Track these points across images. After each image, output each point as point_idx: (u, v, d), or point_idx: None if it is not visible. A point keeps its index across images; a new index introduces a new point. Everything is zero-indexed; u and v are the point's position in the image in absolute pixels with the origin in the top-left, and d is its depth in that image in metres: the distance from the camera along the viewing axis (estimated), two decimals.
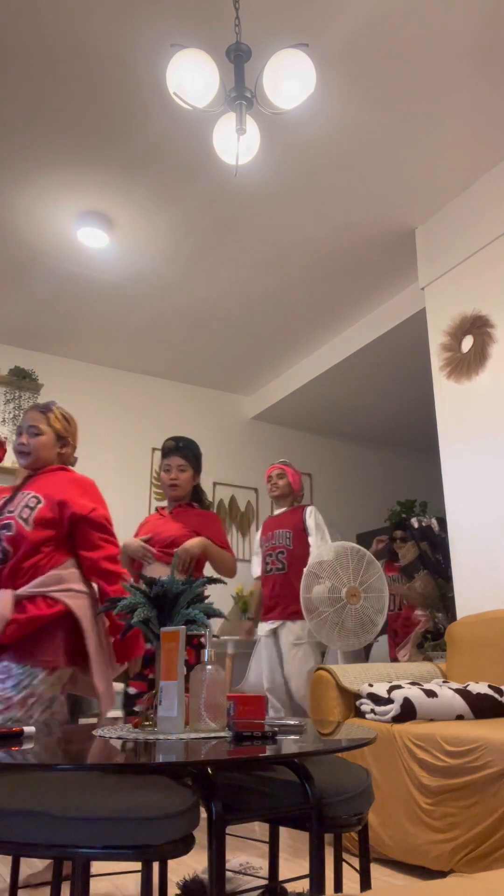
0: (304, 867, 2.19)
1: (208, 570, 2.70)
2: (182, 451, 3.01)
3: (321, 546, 3.58)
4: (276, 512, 3.91)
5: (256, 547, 3.94)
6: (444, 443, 3.40)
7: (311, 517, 3.73)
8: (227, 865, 2.03)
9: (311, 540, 3.68)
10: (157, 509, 3.08)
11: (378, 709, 2.37)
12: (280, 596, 3.60)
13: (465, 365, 3.32)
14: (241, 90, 2.16)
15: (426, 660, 3.61)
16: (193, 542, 2.74)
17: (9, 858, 2.17)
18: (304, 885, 1.88)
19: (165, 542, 2.80)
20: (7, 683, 1.89)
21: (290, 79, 2.08)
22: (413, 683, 2.40)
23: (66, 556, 2.10)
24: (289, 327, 4.77)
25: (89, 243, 3.77)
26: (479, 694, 2.33)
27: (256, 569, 3.89)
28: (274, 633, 3.58)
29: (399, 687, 2.36)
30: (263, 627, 3.64)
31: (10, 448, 2.91)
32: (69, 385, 5.14)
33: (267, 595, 3.70)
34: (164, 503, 3.10)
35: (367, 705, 2.43)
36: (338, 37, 2.58)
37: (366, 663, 2.85)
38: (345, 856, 2.30)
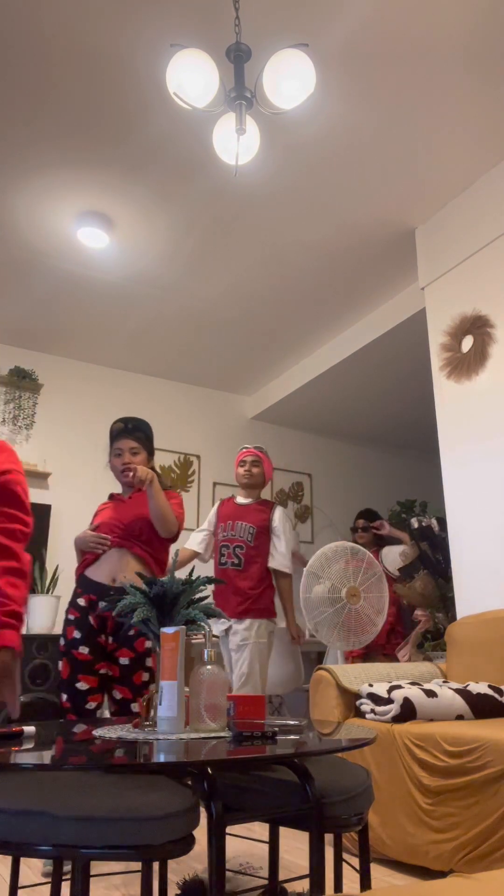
0: (304, 867, 2.19)
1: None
2: (132, 433, 2.71)
3: (279, 555, 3.43)
4: (241, 500, 3.61)
5: (207, 524, 3.65)
6: (444, 443, 3.40)
7: (280, 520, 3.51)
8: (227, 865, 2.03)
9: (275, 543, 3.47)
10: (111, 496, 2.78)
11: (378, 709, 2.37)
12: (229, 594, 3.36)
13: (465, 365, 3.32)
14: (241, 90, 2.16)
15: (426, 660, 3.60)
16: (146, 469, 2.54)
17: (9, 858, 2.17)
18: (304, 885, 1.88)
19: (127, 527, 2.56)
20: None
21: (289, 79, 2.08)
22: (413, 683, 2.40)
23: None
24: (289, 327, 4.77)
25: (89, 243, 3.77)
26: (479, 694, 2.33)
27: (197, 543, 3.60)
28: (225, 632, 3.36)
29: (399, 687, 2.36)
30: (216, 625, 3.40)
31: None
32: (69, 385, 5.14)
33: (215, 591, 3.47)
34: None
35: (367, 705, 2.43)
36: (338, 37, 2.58)
37: (366, 663, 2.85)
38: (345, 856, 2.30)
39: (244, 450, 3.67)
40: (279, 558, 3.43)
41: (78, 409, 5.13)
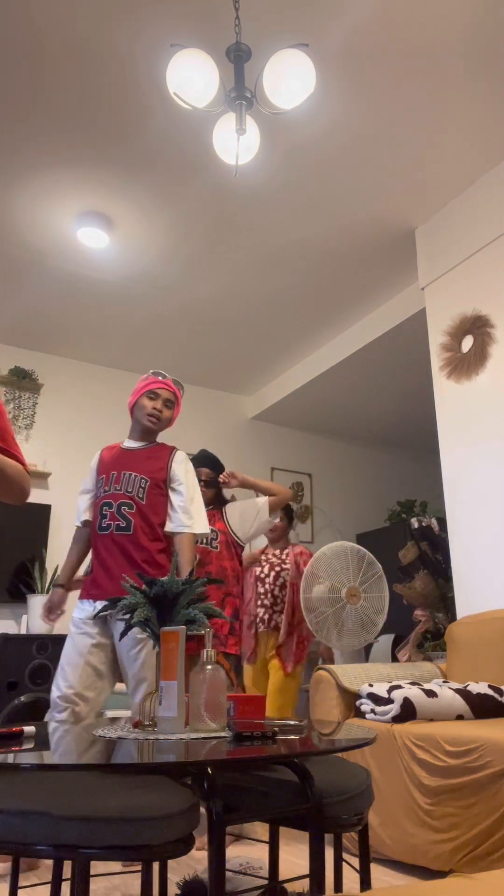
0: (304, 867, 2.19)
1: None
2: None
3: (180, 514, 2.50)
4: (130, 444, 2.64)
5: (88, 481, 2.67)
6: (443, 443, 3.40)
7: (183, 465, 2.59)
8: (227, 865, 2.03)
9: (173, 500, 2.52)
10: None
11: (378, 709, 2.37)
12: (117, 565, 2.41)
13: (465, 365, 3.32)
14: (241, 90, 2.16)
15: (426, 660, 3.60)
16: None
17: (8, 858, 2.17)
18: (304, 885, 1.88)
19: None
20: None
21: (289, 79, 2.08)
22: (413, 683, 2.40)
23: None
24: (289, 327, 4.77)
25: (89, 243, 3.77)
26: (479, 694, 2.33)
27: (84, 511, 2.63)
28: (102, 620, 2.40)
29: (399, 687, 2.36)
30: (82, 609, 2.43)
31: None
32: (69, 385, 5.14)
33: (95, 562, 2.49)
34: None
35: (367, 705, 2.43)
36: (338, 37, 2.58)
37: (366, 663, 2.85)
38: (345, 856, 2.31)
39: (157, 378, 2.66)
40: (178, 518, 2.50)
41: (78, 409, 5.13)
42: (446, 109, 2.94)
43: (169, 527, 2.51)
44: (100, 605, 2.38)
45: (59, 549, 4.61)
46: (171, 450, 2.64)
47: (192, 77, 2.06)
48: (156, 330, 4.78)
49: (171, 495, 2.55)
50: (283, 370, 5.45)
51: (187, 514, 2.52)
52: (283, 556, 3.63)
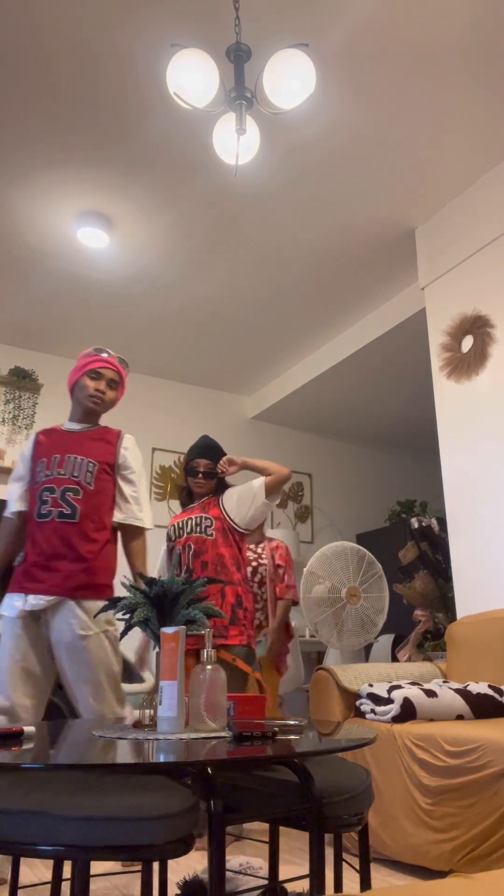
0: (304, 867, 2.19)
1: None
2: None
3: (139, 512, 2.38)
4: (72, 427, 2.48)
5: (21, 469, 2.44)
6: (443, 443, 3.40)
7: (132, 451, 2.46)
8: (227, 865, 2.03)
9: (124, 488, 2.39)
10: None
11: (378, 709, 2.37)
12: (58, 556, 2.21)
13: (465, 365, 3.32)
14: (241, 90, 2.16)
15: (426, 660, 3.60)
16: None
17: (9, 858, 2.17)
18: (304, 885, 1.88)
19: None
20: None
21: (289, 79, 2.08)
22: (413, 683, 2.40)
23: None
24: (289, 327, 4.77)
25: (89, 243, 3.77)
26: (479, 694, 2.33)
27: (16, 500, 2.39)
28: (35, 617, 2.19)
29: (399, 687, 2.36)
30: (12, 603, 2.21)
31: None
32: None
33: (31, 552, 2.26)
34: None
35: (367, 705, 2.43)
36: (338, 37, 2.58)
37: (366, 663, 2.85)
38: (345, 856, 2.31)
39: (100, 355, 2.47)
40: (131, 509, 2.37)
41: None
42: (446, 109, 2.94)
43: (118, 517, 2.33)
44: (34, 599, 2.15)
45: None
46: (118, 433, 2.47)
47: (192, 77, 2.06)
48: (156, 330, 4.78)
49: (122, 483, 2.38)
50: (283, 370, 5.45)
51: (139, 505, 2.37)
52: (260, 551, 3.47)
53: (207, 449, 2.89)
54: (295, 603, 3.42)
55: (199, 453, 2.86)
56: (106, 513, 2.31)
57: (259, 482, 2.77)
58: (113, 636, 2.22)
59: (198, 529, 2.75)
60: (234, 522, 2.76)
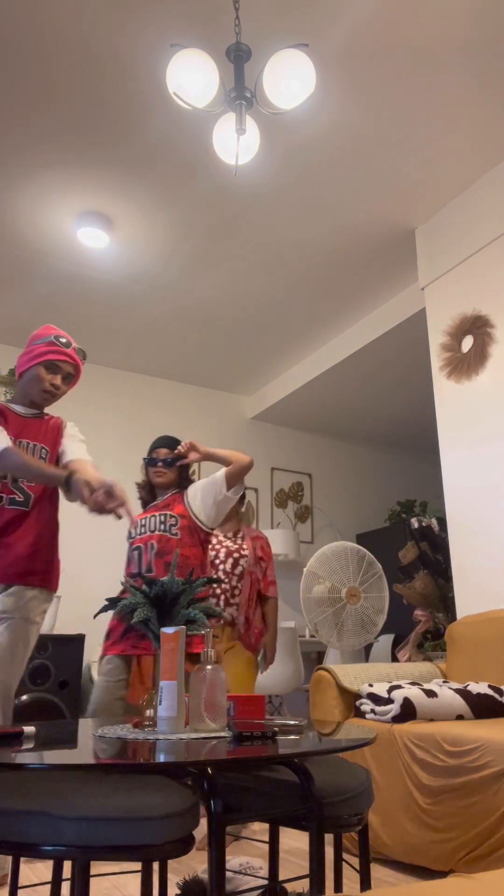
0: (304, 867, 2.19)
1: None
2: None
3: (85, 454, 2.36)
4: (21, 411, 2.35)
5: None
6: (444, 443, 3.40)
7: (76, 437, 2.42)
8: (227, 865, 2.03)
9: (68, 447, 2.38)
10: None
11: (378, 709, 2.37)
12: (7, 544, 2.18)
13: (465, 365, 3.32)
14: (240, 90, 2.16)
15: (426, 660, 3.60)
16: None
17: (9, 858, 2.17)
18: (304, 885, 1.88)
19: None
20: None
21: (289, 79, 2.08)
22: (413, 683, 2.40)
23: None
24: (289, 327, 4.77)
25: (89, 243, 3.77)
26: (479, 694, 2.33)
27: None
28: None
29: (399, 687, 2.36)
30: None
31: None
32: None
33: None
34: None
35: (367, 705, 2.43)
36: (338, 37, 2.58)
37: (366, 663, 2.85)
38: (345, 856, 2.31)
39: (59, 345, 2.31)
40: (77, 449, 2.37)
41: (78, 410, 5.13)
42: (446, 109, 2.94)
43: (67, 457, 2.27)
44: None
45: (59, 548, 4.60)
46: (60, 421, 2.38)
47: (192, 77, 2.06)
48: (156, 330, 4.78)
49: (68, 449, 2.34)
50: (283, 370, 5.46)
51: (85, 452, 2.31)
52: (240, 542, 3.21)
53: (167, 439, 2.80)
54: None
55: (159, 444, 2.78)
56: (53, 502, 2.30)
57: (221, 473, 2.67)
58: (32, 627, 2.14)
59: (162, 528, 2.61)
60: (199, 520, 2.65)
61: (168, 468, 2.71)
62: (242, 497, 3.20)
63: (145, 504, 2.79)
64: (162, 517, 2.63)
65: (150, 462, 2.75)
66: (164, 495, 2.72)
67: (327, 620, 3.27)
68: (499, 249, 3.25)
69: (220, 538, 3.21)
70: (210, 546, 3.09)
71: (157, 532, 2.59)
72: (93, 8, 2.46)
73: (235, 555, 3.13)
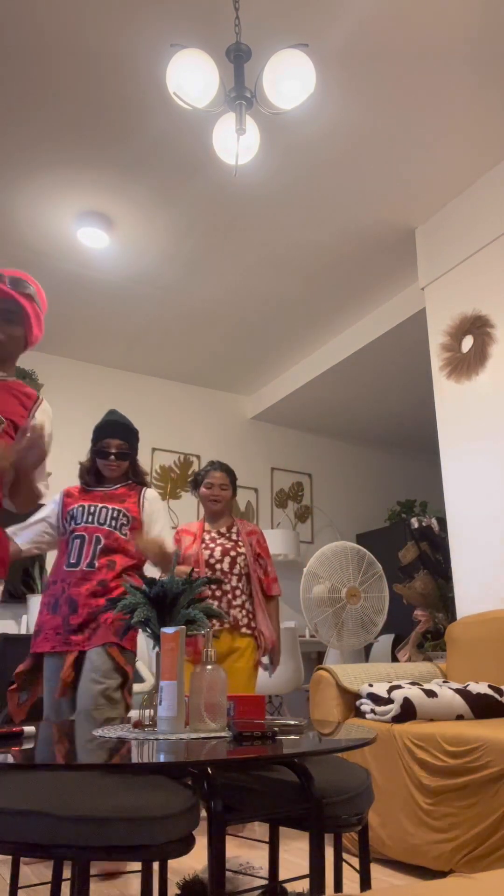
0: (304, 867, 2.19)
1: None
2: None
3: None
4: None
5: None
6: (444, 443, 3.40)
7: (49, 419, 2.17)
8: (227, 865, 2.03)
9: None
10: None
11: (378, 709, 2.37)
12: None
13: (465, 365, 3.32)
14: (240, 90, 2.16)
15: (426, 660, 3.60)
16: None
17: (9, 858, 2.17)
18: (304, 885, 1.88)
19: None
20: None
21: (289, 79, 2.08)
22: (413, 683, 2.40)
23: None
24: (289, 327, 4.77)
25: (89, 243, 3.77)
26: (479, 694, 2.33)
27: None
28: None
29: (399, 687, 2.36)
30: None
31: None
32: (69, 385, 5.15)
33: None
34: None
35: (367, 705, 2.43)
36: (338, 37, 2.58)
37: (366, 663, 2.85)
38: (345, 856, 2.31)
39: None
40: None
41: (78, 410, 5.13)
42: (446, 109, 2.94)
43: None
44: None
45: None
46: (35, 396, 2.06)
47: (192, 77, 2.06)
48: (156, 330, 4.78)
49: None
50: (283, 370, 5.46)
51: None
52: (235, 538, 3.01)
53: (119, 427, 2.56)
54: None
55: (111, 432, 2.55)
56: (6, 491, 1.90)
57: (171, 545, 2.51)
58: None
59: (113, 524, 2.45)
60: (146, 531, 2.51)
61: (120, 461, 2.54)
62: (235, 488, 3.09)
63: (87, 486, 2.57)
64: (115, 512, 2.46)
65: (99, 453, 2.54)
66: (113, 485, 2.56)
67: (327, 620, 3.27)
68: (499, 249, 3.25)
69: (213, 535, 3.01)
70: (204, 545, 2.97)
71: (105, 527, 2.43)
72: (93, 8, 2.46)
73: (232, 553, 2.94)
